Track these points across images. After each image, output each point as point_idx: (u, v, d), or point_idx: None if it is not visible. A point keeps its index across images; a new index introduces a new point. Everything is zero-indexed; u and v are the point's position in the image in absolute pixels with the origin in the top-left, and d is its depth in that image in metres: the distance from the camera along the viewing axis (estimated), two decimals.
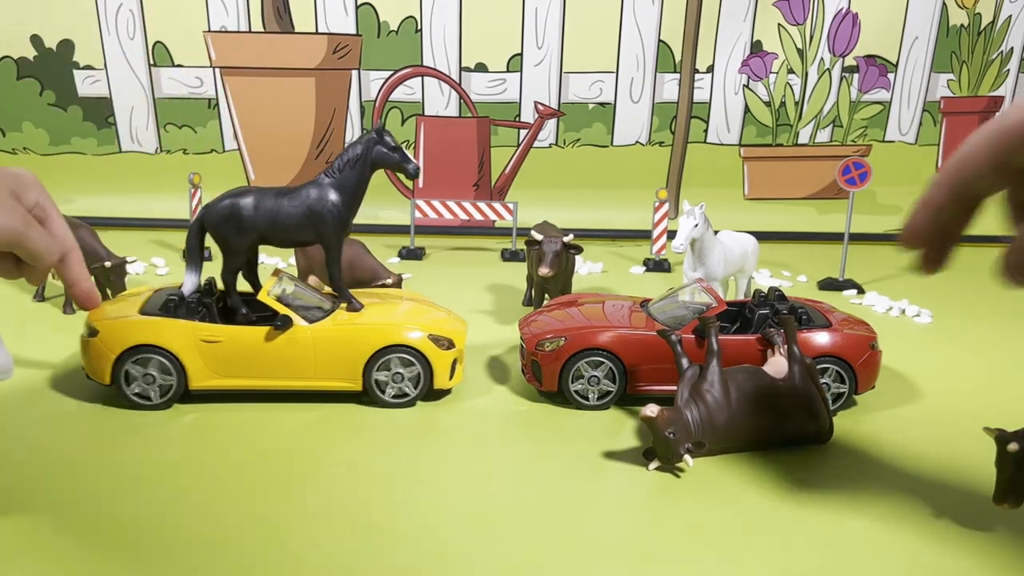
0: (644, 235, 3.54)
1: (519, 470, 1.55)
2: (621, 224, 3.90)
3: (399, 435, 1.68)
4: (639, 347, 1.81)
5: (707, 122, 4.05)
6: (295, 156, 4.00)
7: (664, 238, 3.28)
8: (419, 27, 3.87)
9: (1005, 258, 0.68)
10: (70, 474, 1.47)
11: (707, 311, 1.84)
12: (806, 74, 4.01)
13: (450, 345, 1.82)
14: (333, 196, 1.86)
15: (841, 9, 3.92)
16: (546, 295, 2.32)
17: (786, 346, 1.72)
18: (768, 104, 4.03)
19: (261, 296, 1.79)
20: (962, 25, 3.97)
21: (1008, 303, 2.87)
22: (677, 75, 3.98)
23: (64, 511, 1.34)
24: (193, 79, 3.89)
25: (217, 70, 3.89)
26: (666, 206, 3.28)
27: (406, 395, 1.81)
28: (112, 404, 1.79)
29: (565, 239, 2.25)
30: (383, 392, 1.80)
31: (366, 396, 1.82)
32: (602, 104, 4.01)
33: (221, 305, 1.93)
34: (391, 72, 3.92)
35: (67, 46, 3.82)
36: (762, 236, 2.94)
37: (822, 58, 3.98)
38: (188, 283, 1.86)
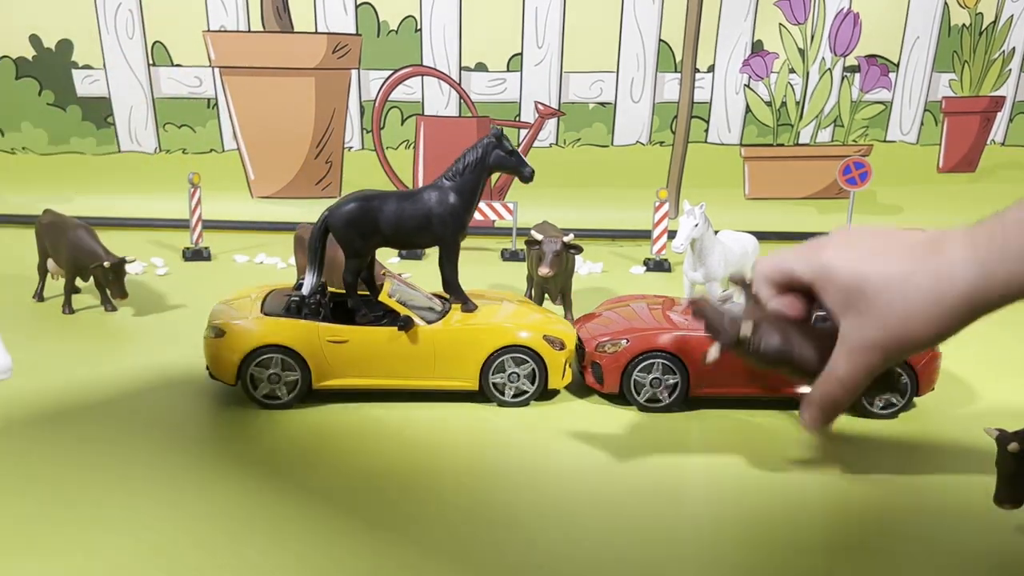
0: (644, 235, 3.53)
1: (520, 470, 1.54)
2: (621, 224, 3.89)
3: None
4: (701, 348, 1.80)
5: (708, 122, 4.05)
6: (295, 156, 3.99)
7: (664, 238, 3.27)
8: (419, 27, 3.87)
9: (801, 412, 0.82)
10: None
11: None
12: (807, 74, 4.00)
13: (562, 346, 1.84)
14: (453, 199, 1.88)
15: (842, 9, 3.91)
16: (546, 295, 2.32)
17: None
18: (769, 104, 4.03)
19: (382, 298, 1.83)
20: (964, 25, 3.96)
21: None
22: (678, 75, 3.97)
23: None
24: (192, 79, 3.89)
25: (216, 70, 3.88)
26: (666, 206, 3.28)
27: (524, 392, 1.83)
28: (108, 402, 1.79)
29: (565, 239, 2.24)
30: (503, 394, 1.83)
31: (481, 395, 1.84)
32: (602, 104, 4.00)
33: (332, 306, 1.95)
34: (391, 72, 3.92)
35: (66, 46, 3.82)
36: (762, 236, 2.93)
37: (823, 58, 3.97)
38: (308, 284, 1.87)
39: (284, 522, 1.33)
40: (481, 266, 3.21)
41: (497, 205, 3.46)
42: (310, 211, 3.91)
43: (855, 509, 1.43)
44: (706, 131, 4.05)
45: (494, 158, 1.89)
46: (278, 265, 3.18)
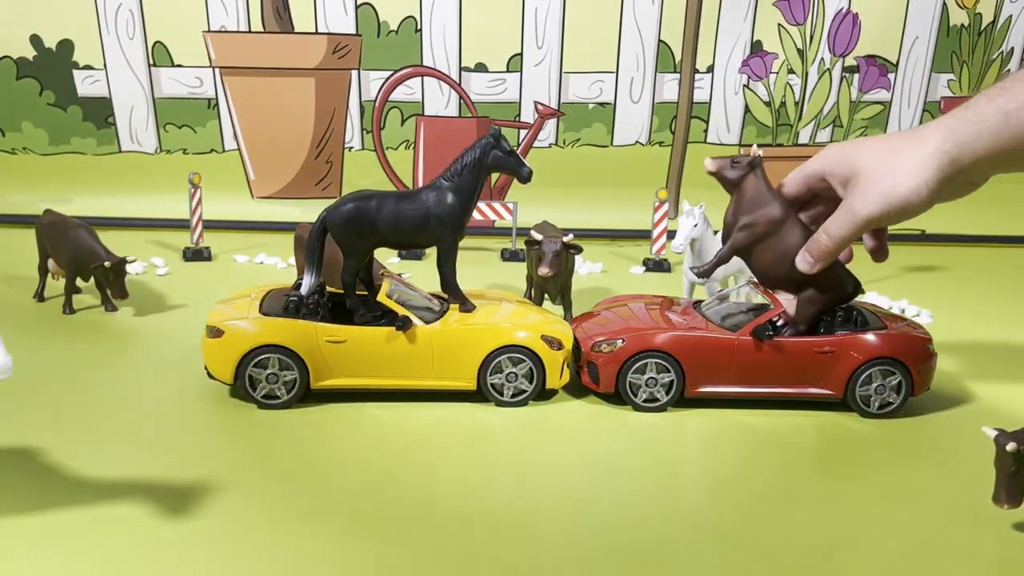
0: (644, 235, 3.54)
1: (520, 470, 1.55)
2: (621, 224, 3.89)
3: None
4: (697, 348, 1.81)
5: (707, 122, 4.05)
6: (295, 156, 3.99)
7: (664, 238, 3.28)
8: (419, 27, 3.87)
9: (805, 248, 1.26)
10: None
11: (765, 313, 1.84)
12: (806, 74, 4.00)
13: (560, 346, 1.85)
14: (451, 199, 1.89)
15: (841, 9, 3.92)
16: (546, 295, 2.32)
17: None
18: (768, 104, 4.03)
19: (380, 298, 1.83)
20: (962, 25, 3.97)
21: (1008, 303, 2.87)
22: (677, 75, 3.97)
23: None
24: (193, 79, 3.89)
25: (217, 70, 3.88)
26: (666, 206, 3.28)
27: (523, 391, 1.84)
28: (108, 402, 1.79)
29: (565, 239, 2.25)
30: (501, 394, 1.84)
31: (479, 395, 1.85)
32: (602, 104, 4.01)
33: (330, 306, 1.96)
34: (391, 72, 3.92)
35: (67, 46, 3.82)
36: None
37: (822, 58, 3.97)
38: (306, 284, 1.88)
39: (284, 521, 1.33)
40: (481, 266, 3.22)
41: (497, 205, 3.47)
42: (310, 211, 3.91)
43: (854, 508, 1.43)
44: (705, 131, 4.06)
45: (492, 158, 1.89)
46: (278, 265, 3.18)
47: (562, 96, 3.98)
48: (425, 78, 3.94)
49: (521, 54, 3.92)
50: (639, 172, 4.03)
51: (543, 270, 2.19)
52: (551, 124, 4.00)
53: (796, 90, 4.02)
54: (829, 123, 4.05)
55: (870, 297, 2.87)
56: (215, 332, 1.78)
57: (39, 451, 1.54)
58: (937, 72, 4.03)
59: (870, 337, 1.83)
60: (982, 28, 3.97)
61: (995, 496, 1.32)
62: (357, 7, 3.83)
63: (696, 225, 2.24)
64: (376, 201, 1.87)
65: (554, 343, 1.84)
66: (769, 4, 3.90)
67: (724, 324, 1.87)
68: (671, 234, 2.91)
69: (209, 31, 3.83)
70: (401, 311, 1.81)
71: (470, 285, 2.54)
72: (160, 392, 1.86)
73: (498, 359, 1.82)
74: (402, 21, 3.87)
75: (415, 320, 1.82)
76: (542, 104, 3.97)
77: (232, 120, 3.95)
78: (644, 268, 3.28)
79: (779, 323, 1.82)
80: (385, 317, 1.85)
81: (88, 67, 3.85)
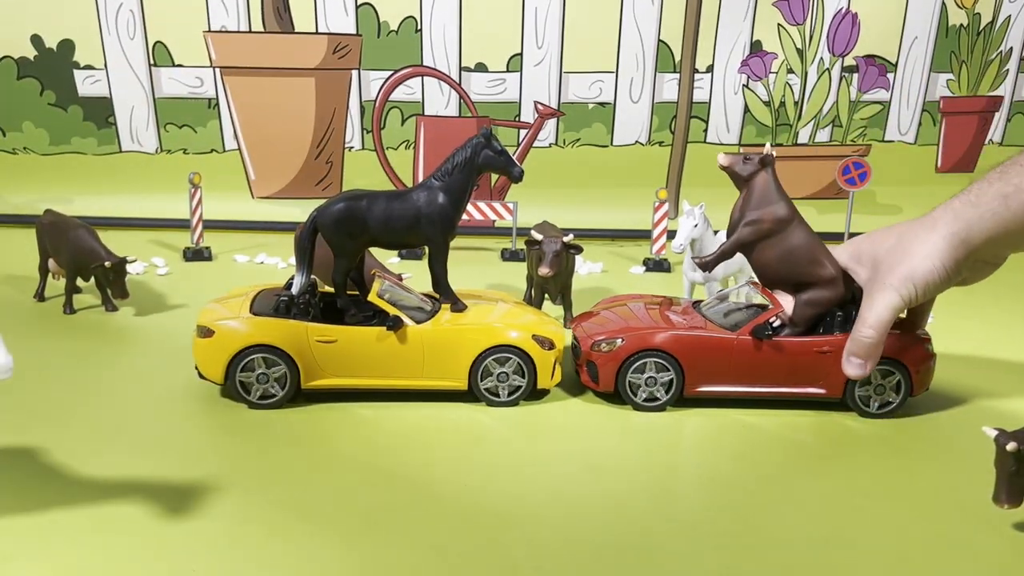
0: (644, 235, 3.54)
1: (519, 469, 1.55)
2: (621, 224, 3.90)
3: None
4: (696, 347, 1.81)
5: (707, 122, 4.05)
6: (295, 156, 4.00)
7: (664, 238, 3.28)
8: (419, 27, 3.87)
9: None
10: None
11: (763, 313, 1.84)
12: (805, 74, 4.01)
13: (551, 346, 1.85)
14: (442, 199, 1.88)
15: (841, 9, 3.92)
16: (546, 295, 2.33)
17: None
18: (768, 104, 4.03)
19: (371, 298, 1.82)
20: (961, 25, 3.97)
21: (1008, 304, 2.87)
22: (677, 75, 3.97)
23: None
24: (193, 79, 3.90)
25: (217, 70, 3.89)
26: (666, 206, 3.28)
27: (518, 388, 1.84)
28: (108, 402, 1.79)
29: (565, 239, 2.25)
30: (497, 395, 1.84)
31: (470, 395, 1.85)
32: (602, 104, 4.01)
33: (322, 305, 1.96)
34: (391, 72, 3.92)
35: (67, 46, 3.82)
36: None
37: (821, 58, 3.97)
38: (297, 283, 1.87)
39: (282, 521, 1.34)
40: (481, 266, 3.22)
41: (497, 205, 3.47)
42: (310, 211, 3.92)
43: (853, 508, 1.43)
44: (705, 131, 4.06)
45: (483, 158, 1.89)
46: (279, 265, 3.18)
47: (562, 96, 3.99)
48: (425, 78, 3.94)
49: (521, 54, 3.92)
50: (639, 172, 4.03)
51: (543, 270, 2.20)
52: (551, 124, 4.00)
53: (795, 90, 4.02)
54: (828, 123, 4.06)
55: None
56: (205, 332, 1.77)
57: (39, 451, 1.54)
58: (936, 72, 4.03)
59: None
60: (981, 28, 3.97)
61: (995, 496, 1.33)
62: (357, 7, 3.84)
63: (696, 225, 2.24)
64: (366, 201, 1.87)
65: (545, 343, 1.84)
66: (769, 4, 3.90)
67: (723, 324, 1.87)
68: (671, 234, 2.91)
69: (209, 31, 3.83)
70: (392, 311, 1.81)
71: (470, 285, 2.55)
72: (161, 392, 1.87)
73: (489, 359, 1.82)
74: (402, 21, 3.87)
75: (406, 320, 1.81)
76: (542, 104, 3.98)
77: (232, 120, 3.95)
78: (644, 268, 3.29)
79: (775, 324, 1.82)
80: (376, 317, 1.85)
81: (89, 67, 3.85)
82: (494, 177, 4.01)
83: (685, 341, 1.81)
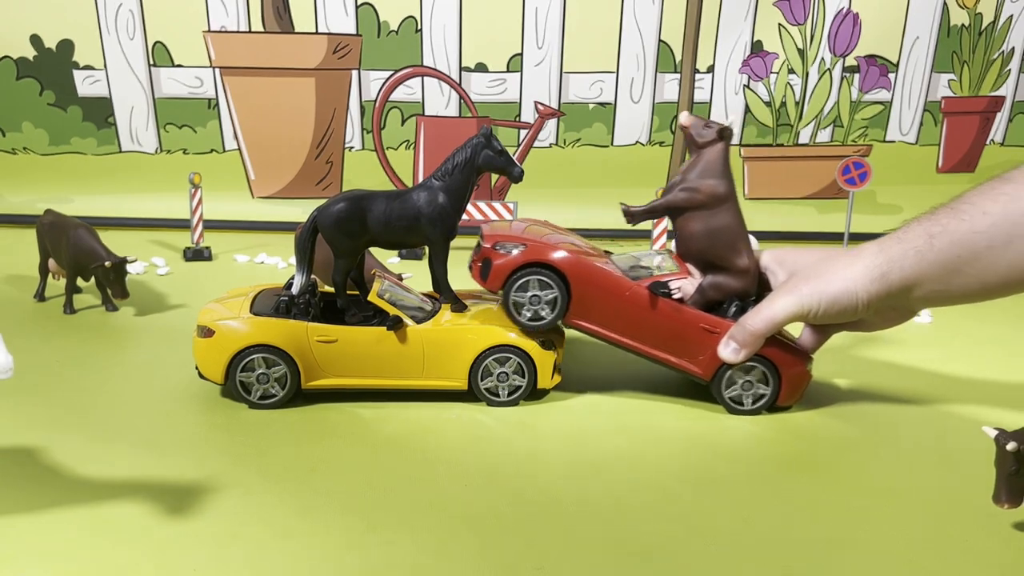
0: (644, 235, 3.54)
1: (519, 469, 1.55)
2: (621, 224, 3.89)
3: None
4: (591, 278, 1.77)
5: None
6: (295, 156, 4.00)
7: (664, 238, 3.27)
8: (419, 27, 3.87)
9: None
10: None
11: (668, 274, 1.81)
12: (807, 74, 4.00)
13: (552, 346, 1.84)
14: (442, 199, 1.88)
15: (842, 9, 3.92)
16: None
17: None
18: (768, 104, 4.03)
19: (371, 298, 1.82)
20: (963, 25, 3.97)
21: (1008, 304, 2.86)
22: (677, 75, 3.97)
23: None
24: (193, 79, 3.90)
25: (217, 70, 3.89)
26: None
27: (518, 388, 1.83)
28: (108, 402, 1.79)
29: None
30: (497, 395, 1.84)
31: (471, 395, 1.84)
32: (602, 104, 4.01)
33: (322, 305, 1.95)
34: (391, 72, 3.92)
35: (67, 46, 3.82)
36: (762, 236, 2.93)
37: (823, 58, 3.97)
38: (297, 283, 1.87)
39: (282, 521, 1.33)
40: None
41: (497, 205, 3.47)
42: (310, 211, 3.92)
43: (853, 508, 1.43)
44: None
45: (483, 158, 1.88)
46: (279, 265, 3.18)
47: (562, 96, 3.98)
48: (425, 78, 3.94)
49: (521, 54, 3.92)
50: (639, 172, 4.03)
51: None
52: (551, 124, 4.00)
53: (796, 90, 4.02)
54: (830, 123, 4.05)
55: None
56: (206, 332, 1.77)
57: (39, 451, 1.54)
58: (938, 72, 4.03)
59: None
60: (983, 28, 3.97)
61: (995, 496, 1.32)
62: (357, 7, 3.83)
63: None
64: (367, 201, 1.87)
65: (546, 343, 1.84)
66: (769, 4, 3.90)
67: (627, 272, 1.83)
68: (671, 234, 2.91)
69: (209, 31, 3.83)
70: (392, 311, 1.81)
71: (471, 285, 2.54)
72: (161, 392, 1.86)
73: (489, 359, 1.81)
74: (402, 21, 3.87)
75: (406, 320, 1.81)
76: (542, 104, 3.98)
77: (232, 120, 3.95)
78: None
79: (676, 296, 1.79)
80: (377, 317, 1.84)
81: (88, 67, 3.85)
82: (494, 177, 4.01)
83: (582, 267, 1.77)
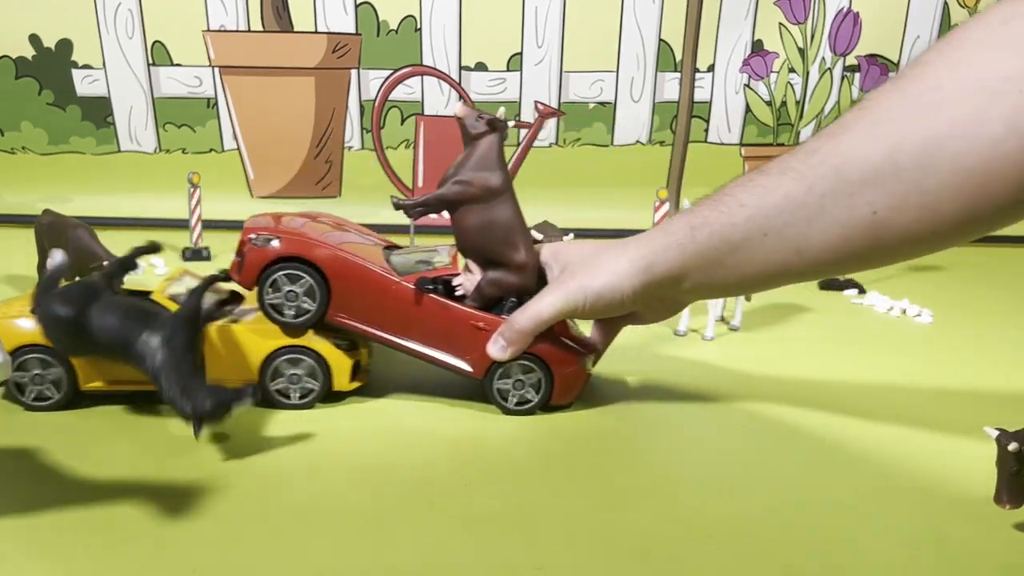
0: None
1: (518, 470, 1.54)
2: (621, 224, 3.89)
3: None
4: (350, 273, 1.71)
5: (708, 121, 4.05)
6: (295, 155, 4.00)
7: (566, 239, 3.27)
8: (419, 26, 3.87)
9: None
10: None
11: (437, 269, 1.77)
12: (807, 73, 4.00)
13: (354, 347, 1.79)
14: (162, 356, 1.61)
15: (842, 8, 3.92)
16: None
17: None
18: (769, 103, 4.03)
19: (155, 295, 1.71)
20: None
21: (1008, 304, 2.86)
22: (678, 74, 3.97)
23: None
24: (192, 78, 3.89)
25: (216, 69, 3.88)
26: (667, 206, 3.27)
27: (311, 391, 1.76)
28: (108, 401, 1.79)
29: (565, 239, 2.25)
30: (289, 398, 1.77)
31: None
32: (602, 103, 4.01)
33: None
34: (391, 71, 3.92)
35: (66, 45, 3.82)
36: None
37: (823, 57, 3.97)
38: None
39: (282, 521, 1.33)
40: None
41: None
42: (310, 211, 3.91)
43: (853, 508, 1.43)
44: (706, 131, 4.06)
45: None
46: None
47: (562, 95, 3.98)
48: (425, 77, 3.93)
49: (521, 53, 3.91)
50: (640, 171, 4.03)
51: None
52: (551, 124, 4.00)
53: (797, 89, 4.01)
54: (830, 122, 4.05)
55: (871, 297, 2.86)
56: None
57: (39, 451, 1.53)
58: None
59: None
60: None
61: (996, 496, 1.32)
62: (357, 6, 3.83)
63: None
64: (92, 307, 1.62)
65: (343, 345, 1.76)
66: (770, 3, 3.90)
67: (397, 268, 1.78)
68: None
69: (208, 30, 3.83)
70: (175, 307, 1.67)
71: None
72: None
73: (279, 360, 1.74)
74: (402, 20, 3.87)
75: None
76: (542, 103, 3.97)
77: (232, 119, 3.95)
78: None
79: (457, 292, 1.76)
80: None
81: (87, 66, 3.85)
82: None
83: (340, 263, 1.71)
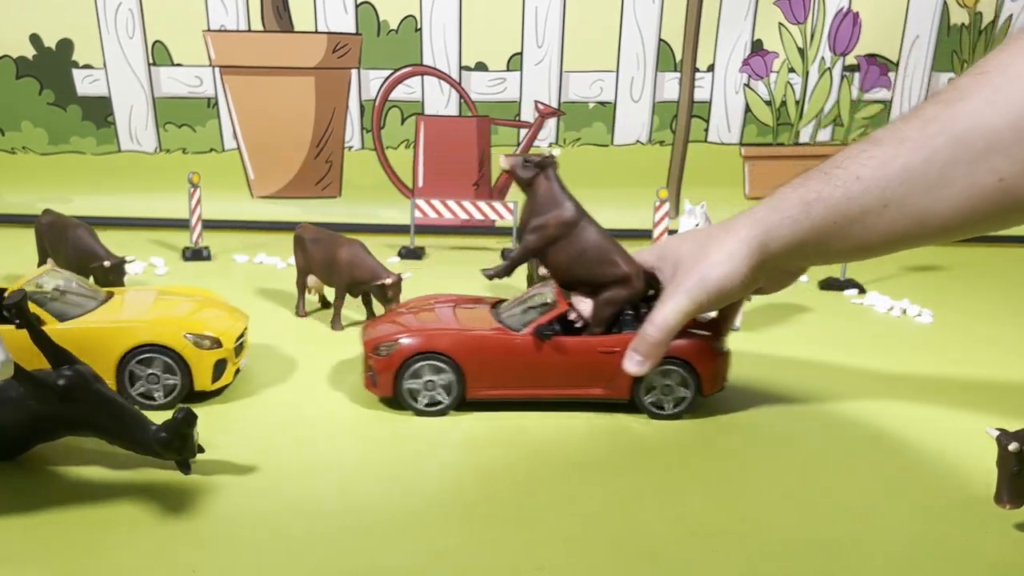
0: (645, 235, 3.53)
1: (519, 470, 1.54)
2: (621, 224, 3.89)
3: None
4: (475, 348, 1.74)
5: (708, 121, 4.05)
6: (295, 155, 3.99)
7: (665, 237, 3.27)
8: (419, 26, 3.87)
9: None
10: None
11: (548, 312, 1.78)
12: (807, 73, 4.00)
13: (214, 344, 1.76)
14: None
15: (842, 8, 3.91)
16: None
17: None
18: (769, 103, 4.03)
19: (19, 284, 1.71)
20: (963, 24, 3.96)
21: (1009, 304, 2.86)
22: (678, 74, 3.97)
23: None
24: (192, 78, 3.89)
25: (216, 69, 3.88)
26: (666, 206, 3.27)
27: (174, 388, 1.74)
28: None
29: None
30: (153, 399, 1.74)
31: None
32: (602, 103, 4.00)
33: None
34: (391, 71, 3.92)
35: (66, 45, 3.82)
36: None
37: (823, 57, 3.97)
38: None
39: (282, 521, 1.33)
40: (481, 266, 3.20)
41: (497, 205, 3.46)
42: (310, 211, 3.92)
43: (853, 508, 1.43)
44: (706, 130, 4.06)
45: None
46: (278, 265, 3.18)
47: (562, 95, 3.98)
48: (425, 77, 3.93)
49: (521, 53, 3.91)
50: (639, 172, 4.03)
51: (543, 270, 2.19)
52: (551, 123, 4.00)
53: (797, 89, 4.01)
54: (830, 122, 4.05)
55: (871, 297, 2.86)
56: None
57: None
58: (937, 71, 4.02)
59: None
60: (983, 27, 3.97)
61: (997, 496, 1.32)
62: (357, 6, 3.83)
63: (698, 224, 2.24)
64: None
65: (203, 342, 1.74)
66: (770, 3, 3.90)
67: (513, 324, 1.80)
68: (672, 233, 2.90)
69: (209, 30, 3.83)
70: (35, 309, 1.63)
71: (470, 285, 2.54)
72: None
73: (133, 362, 1.71)
74: (402, 20, 3.87)
75: (46, 318, 1.68)
76: (542, 103, 3.97)
77: (232, 119, 3.94)
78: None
79: (578, 324, 1.77)
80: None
81: (88, 66, 3.85)
82: (494, 176, 4.00)
83: (463, 341, 1.74)
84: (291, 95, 3.91)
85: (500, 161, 1.80)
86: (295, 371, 2.01)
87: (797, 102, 4.03)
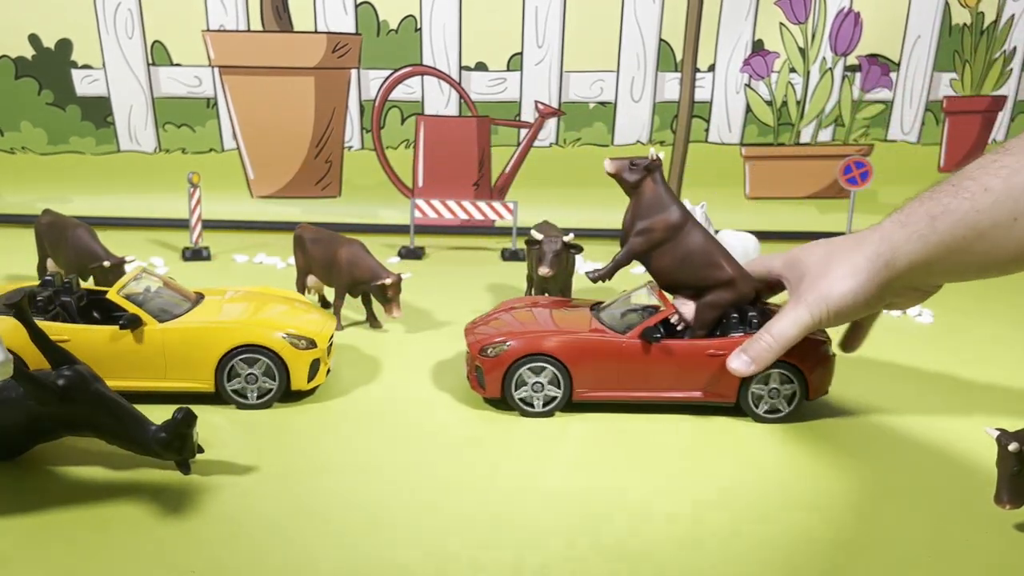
0: None
1: (519, 470, 1.54)
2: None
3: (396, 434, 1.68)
4: (583, 351, 1.76)
5: (708, 121, 4.04)
6: (294, 155, 3.99)
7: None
8: (419, 26, 3.87)
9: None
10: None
11: (654, 316, 1.78)
12: (808, 73, 4.00)
13: (309, 345, 1.79)
14: None
15: (843, 8, 3.91)
16: (546, 295, 2.32)
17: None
18: (770, 103, 4.02)
19: (111, 295, 1.74)
20: (965, 24, 3.96)
21: (1009, 304, 2.86)
22: (678, 74, 3.97)
23: None
24: (192, 78, 3.89)
25: (216, 69, 3.88)
26: None
27: (269, 391, 1.77)
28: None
29: (565, 239, 2.24)
30: (246, 398, 1.78)
31: (218, 398, 1.78)
32: (603, 103, 4.00)
33: (84, 303, 1.85)
34: (391, 71, 3.91)
35: (65, 45, 3.81)
36: (763, 236, 2.93)
37: (824, 57, 3.96)
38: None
39: (282, 521, 1.33)
40: (481, 266, 3.21)
41: (497, 205, 3.46)
42: (310, 211, 3.91)
43: (854, 509, 1.43)
44: (706, 131, 4.05)
45: None
46: (278, 265, 3.18)
47: (563, 95, 3.98)
48: (425, 77, 3.93)
49: (521, 53, 3.91)
50: None
51: (543, 270, 2.19)
52: (551, 123, 4.00)
53: (798, 89, 4.01)
54: (831, 122, 4.04)
55: None
56: None
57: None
58: (939, 71, 4.02)
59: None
60: (984, 27, 3.96)
61: (997, 496, 1.32)
62: (357, 6, 3.83)
63: None
64: None
65: (301, 342, 1.78)
66: (770, 3, 3.89)
67: (616, 327, 1.81)
68: None
69: (208, 30, 3.82)
70: (132, 309, 1.71)
71: (470, 285, 2.55)
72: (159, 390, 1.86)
73: (235, 360, 1.75)
74: (402, 20, 3.86)
75: (145, 318, 1.73)
76: (543, 103, 3.97)
77: (231, 119, 3.94)
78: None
79: (679, 327, 1.78)
80: (124, 316, 1.73)
81: (87, 66, 3.84)
82: (494, 176, 4.00)
83: (571, 344, 1.76)
84: (291, 95, 3.91)
85: (605, 165, 1.79)
86: None
87: (798, 102, 4.02)
